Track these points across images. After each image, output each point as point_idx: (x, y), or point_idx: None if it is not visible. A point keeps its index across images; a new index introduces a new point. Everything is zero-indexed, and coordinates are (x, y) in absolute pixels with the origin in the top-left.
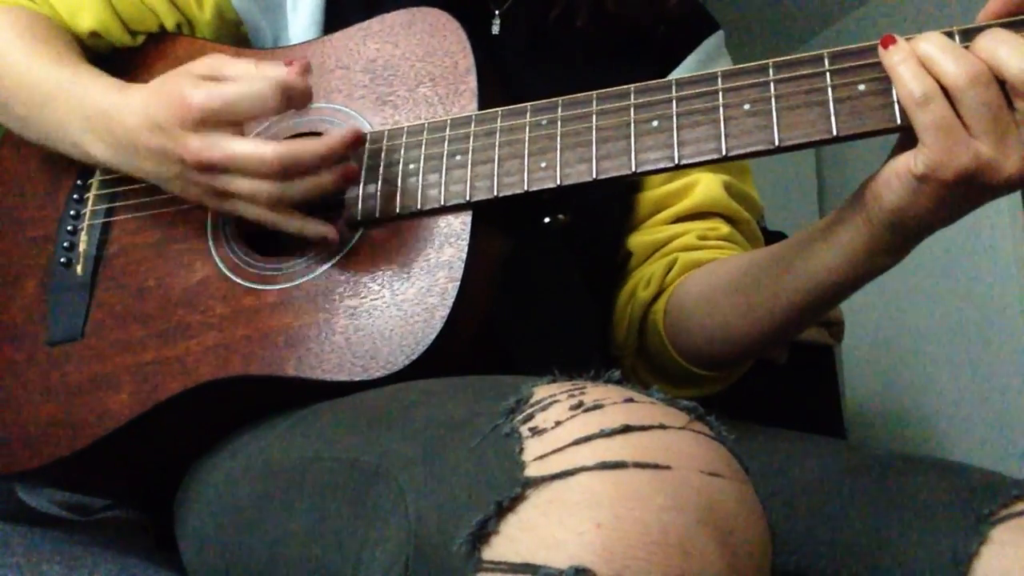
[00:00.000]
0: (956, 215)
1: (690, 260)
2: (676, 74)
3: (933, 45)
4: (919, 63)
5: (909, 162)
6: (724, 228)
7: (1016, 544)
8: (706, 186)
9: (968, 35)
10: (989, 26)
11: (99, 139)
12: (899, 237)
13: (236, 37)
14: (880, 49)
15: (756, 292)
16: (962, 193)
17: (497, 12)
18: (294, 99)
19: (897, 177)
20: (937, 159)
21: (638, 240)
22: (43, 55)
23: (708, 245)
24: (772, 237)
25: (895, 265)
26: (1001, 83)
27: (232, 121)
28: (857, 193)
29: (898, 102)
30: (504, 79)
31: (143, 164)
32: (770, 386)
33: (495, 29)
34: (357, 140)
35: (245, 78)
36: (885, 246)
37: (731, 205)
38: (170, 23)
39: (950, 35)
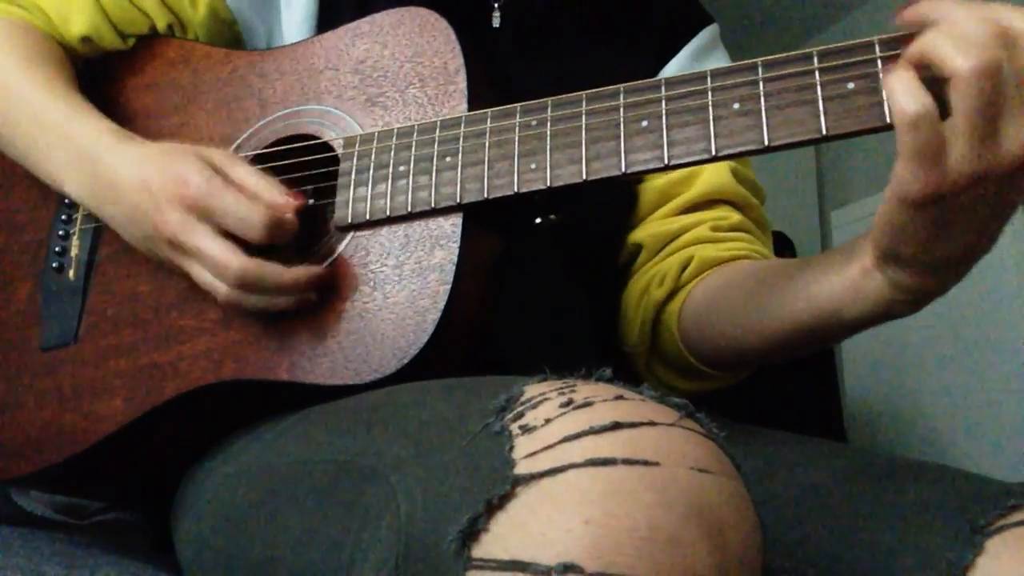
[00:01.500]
0: (959, 242)
1: (707, 258)
2: (672, 65)
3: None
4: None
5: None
6: (734, 216)
7: (1012, 556)
8: (712, 172)
9: None
10: None
11: (77, 177)
12: (896, 271)
13: (229, 37)
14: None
15: (766, 311)
16: (961, 215)
17: (497, 5)
18: (278, 237)
19: (887, 201)
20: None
21: (647, 233)
22: (36, 79)
23: (722, 237)
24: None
25: (910, 313)
26: None
27: (214, 224)
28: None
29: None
30: (500, 75)
31: (115, 211)
32: (770, 386)
33: (495, 22)
34: (323, 283)
35: (246, 194)
36: (887, 282)
37: (739, 191)
38: (161, 25)
39: None
